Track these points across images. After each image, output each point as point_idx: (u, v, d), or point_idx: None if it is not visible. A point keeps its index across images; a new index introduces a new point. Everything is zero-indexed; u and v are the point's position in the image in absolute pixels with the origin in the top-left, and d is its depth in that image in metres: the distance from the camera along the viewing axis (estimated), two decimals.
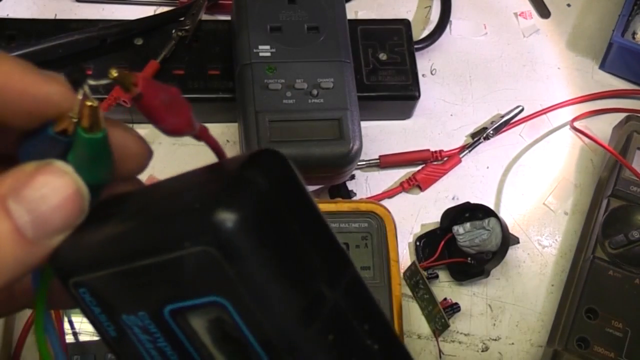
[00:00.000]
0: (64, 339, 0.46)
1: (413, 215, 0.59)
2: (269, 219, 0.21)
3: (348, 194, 0.58)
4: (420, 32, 0.67)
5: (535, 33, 0.70)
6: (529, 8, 0.71)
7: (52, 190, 0.22)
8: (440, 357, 0.54)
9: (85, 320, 0.46)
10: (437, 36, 0.67)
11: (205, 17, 0.62)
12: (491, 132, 0.62)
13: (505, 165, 0.63)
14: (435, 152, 0.61)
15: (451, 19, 0.68)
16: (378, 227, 0.52)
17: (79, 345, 0.46)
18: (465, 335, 0.55)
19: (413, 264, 0.55)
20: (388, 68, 0.61)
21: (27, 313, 0.51)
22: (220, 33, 0.61)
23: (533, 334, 0.56)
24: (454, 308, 0.55)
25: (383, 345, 0.23)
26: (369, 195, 0.59)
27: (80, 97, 0.24)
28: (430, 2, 0.70)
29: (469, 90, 0.66)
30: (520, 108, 0.63)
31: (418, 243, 0.57)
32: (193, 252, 0.20)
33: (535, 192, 0.62)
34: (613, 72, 0.68)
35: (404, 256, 0.57)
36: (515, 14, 0.71)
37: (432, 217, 0.59)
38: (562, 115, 0.66)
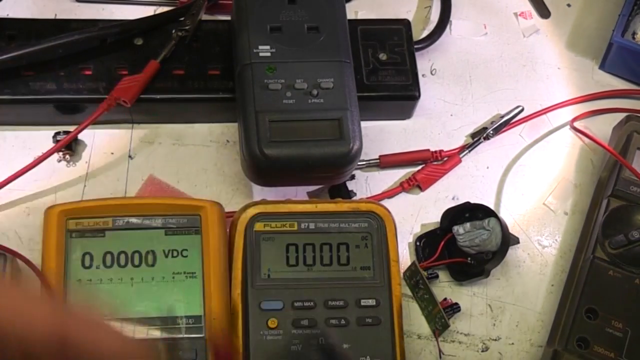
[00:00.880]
0: None
1: (413, 215, 0.59)
2: None
3: (348, 194, 0.58)
4: (420, 32, 0.67)
5: (535, 33, 0.70)
6: (529, 8, 0.71)
7: None
8: (440, 357, 0.54)
9: None
10: (437, 36, 0.67)
11: (205, 17, 0.62)
12: (491, 132, 0.62)
13: (505, 165, 0.63)
14: (435, 152, 0.61)
15: (451, 19, 0.68)
16: (378, 227, 0.52)
17: None
18: (465, 335, 0.55)
19: (413, 264, 0.55)
20: (388, 68, 0.61)
21: None
22: (220, 33, 0.61)
23: (533, 334, 0.56)
24: (454, 308, 0.55)
25: None
26: (369, 195, 0.59)
27: None
28: (430, 2, 0.70)
29: (469, 90, 0.66)
30: (520, 108, 0.63)
31: (418, 243, 0.57)
32: None
33: (535, 192, 0.62)
34: (613, 72, 0.68)
35: (404, 256, 0.57)
36: (515, 14, 0.71)
37: (432, 217, 0.59)
38: (562, 115, 0.66)
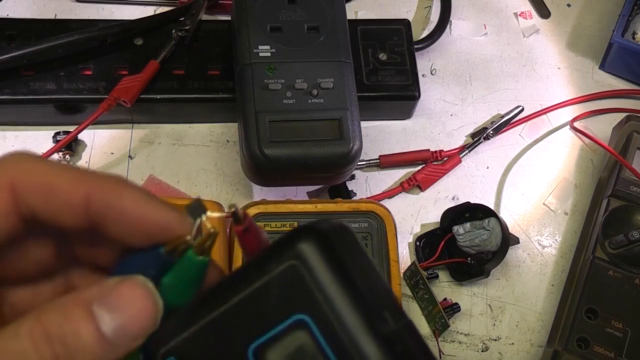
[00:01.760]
0: None
1: (413, 215, 0.59)
2: (341, 246, 0.25)
3: (348, 194, 0.58)
4: (420, 32, 0.67)
5: (535, 33, 0.70)
6: (529, 8, 0.71)
7: (132, 300, 0.25)
8: (440, 357, 0.54)
9: None
10: (437, 36, 0.67)
11: (205, 17, 0.62)
12: (491, 132, 0.62)
13: (505, 165, 0.63)
14: (435, 152, 0.61)
15: (451, 19, 0.68)
16: (378, 227, 0.52)
17: None
18: (465, 335, 0.55)
19: (413, 264, 0.55)
20: (388, 68, 0.61)
21: None
22: (220, 33, 0.61)
23: (533, 334, 0.56)
24: (454, 308, 0.55)
25: None
26: (369, 195, 0.59)
27: (197, 225, 0.27)
28: (430, 2, 0.70)
29: (469, 90, 0.66)
30: (520, 108, 0.63)
31: (418, 243, 0.57)
32: (278, 272, 0.24)
33: (535, 192, 0.62)
34: (613, 72, 0.68)
35: (404, 256, 0.57)
36: (515, 14, 0.71)
37: (432, 217, 0.59)
38: (562, 115, 0.66)
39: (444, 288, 0.57)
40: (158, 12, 0.65)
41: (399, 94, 0.61)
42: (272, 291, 0.24)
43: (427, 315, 0.55)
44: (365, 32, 0.63)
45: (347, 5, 0.62)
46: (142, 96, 0.56)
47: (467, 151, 0.62)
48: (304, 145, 0.52)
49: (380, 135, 0.62)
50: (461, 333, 0.55)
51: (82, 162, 0.58)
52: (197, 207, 0.27)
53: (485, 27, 0.69)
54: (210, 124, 0.61)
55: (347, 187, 0.58)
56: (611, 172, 0.59)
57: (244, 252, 0.28)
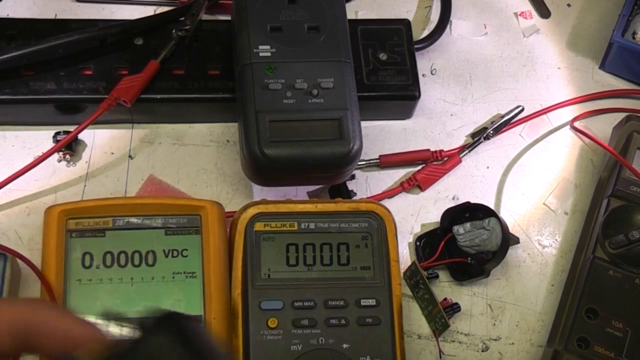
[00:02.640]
0: None
1: (413, 215, 0.59)
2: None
3: (348, 194, 0.58)
4: (420, 32, 0.67)
5: (535, 33, 0.70)
6: (529, 8, 0.71)
7: None
8: (440, 357, 0.54)
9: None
10: (437, 36, 0.67)
11: (205, 17, 0.62)
12: (491, 132, 0.62)
13: (506, 165, 0.63)
14: (436, 152, 0.61)
15: (451, 19, 0.68)
16: (378, 227, 0.52)
17: None
18: (466, 335, 0.55)
19: (413, 264, 0.55)
20: (388, 68, 0.61)
21: None
22: (220, 33, 0.61)
23: (533, 334, 0.56)
24: (454, 308, 0.55)
25: None
26: (369, 195, 0.59)
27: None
28: (430, 2, 0.70)
29: (469, 90, 0.66)
30: (520, 108, 0.63)
31: (418, 243, 0.57)
32: None
33: (535, 192, 0.62)
34: (613, 72, 0.68)
35: (404, 256, 0.57)
36: (515, 14, 0.71)
37: (432, 217, 0.59)
38: (562, 115, 0.66)
39: (444, 288, 0.57)
40: (158, 12, 0.65)
41: (399, 93, 0.61)
42: None
43: (427, 315, 0.55)
44: (366, 32, 0.63)
45: (347, 5, 0.62)
46: (142, 96, 0.56)
47: (467, 151, 0.62)
48: (304, 145, 0.52)
49: (381, 135, 0.62)
50: (461, 333, 0.55)
51: (83, 162, 0.58)
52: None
53: (485, 27, 0.69)
54: (210, 124, 0.61)
55: (347, 187, 0.58)
56: (611, 172, 0.59)
57: None
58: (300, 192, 0.59)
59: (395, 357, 0.49)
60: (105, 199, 0.51)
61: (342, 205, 0.52)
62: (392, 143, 0.62)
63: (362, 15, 0.68)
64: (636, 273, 0.53)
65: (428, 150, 0.61)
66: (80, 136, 0.59)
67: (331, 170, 0.54)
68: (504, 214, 0.60)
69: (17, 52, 0.55)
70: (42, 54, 0.56)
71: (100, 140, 0.59)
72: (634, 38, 0.66)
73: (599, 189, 0.60)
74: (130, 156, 0.59)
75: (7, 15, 0.64)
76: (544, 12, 0.71)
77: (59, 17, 0.64)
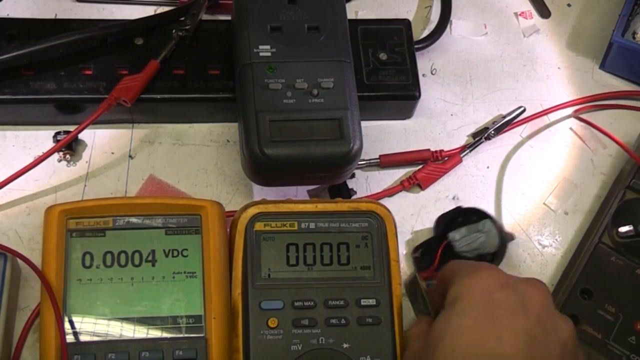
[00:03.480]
0: (64, 339, 0.46)
1: (413, 215, 0.59)
2: None
3: (348, 194, 0.58)
4: (420, 32, 0.67)
5: (535, 33, 0.70)
6: (529, 8, 0.71)
7: None
8: None
9: (85, 320, 0.46)
10: (437, 36, 0.67)
11: (205, 17, 0.62)
12: (493, 132, 0.62)
13: (506, 165, 0.63)
14: (436, 152, 0.61)
15: (451, 19, 0.69)
16: (378, 227, 0.52)
17: (79, 345, 0.46)
18: None
19: (414, 276, 0.52)
20: (388, 68, 0.61)
21: (27, 313, 0.51)
22: (220, 33, 0.61)
23: None
24: None
25: None
26: (369, 195, 0.59)
27: None
28: (430, 2, 0.70)
29: (469, 90, 0.66)
30: (522, 109, 0.63)
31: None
32: None
33: (535, 192, 0.62)
34: (613, 72, 0.68)
35: (404, 256, 0.57)
36: (516, 14, 0.71)
37: (432, 217, 0.59)
38: (562, 116, 0.66)
39: None
40: (158, 12, 0.65)
41: (399, 93, 0.61)
42: None
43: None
44: (366, 32, 0.63)
45: (347, 5, 0.62)
46: (142, 96, 0.56)
47: (468, 151, 0.62)
48: (304, 145, 0.52)
49: (381, 135, 0.62)
50: None
51: (83, 162, 0.58)
52: None
53: (485, 27, 0.69)
54: (211, 124, 0.61)
55: (347, 187, 0.58)
56: (633, 164, 0.59)
57: None
58: (300, 192, 0.59)
59: (395, 357, 0.49)
60: (106, 199, 0.51)
61: (342, 205, 0.52)
62: (392, 143, 0.62)
63: (362, 15, 0.68)
64: (638, 264, 0.54)
65: (428, 150, 0.61)
66: (81, 136, 0.59)
67: (331, 170, 0.54)
68: (504, 214, 0.60)
69: (17, 52, 0.55)
70: (42, 54, 0.56)
71: (100, 140, 0.59)
72: (634, 38, 0.66)
73: (618, 179, 0.61)
74: (130, 156, 0.59)
75: (7, 15, 0.64)
76: (544, 12, 0.71)
77: (59, 17, 0.64)
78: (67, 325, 0.46)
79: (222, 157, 0.60)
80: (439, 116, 0.64)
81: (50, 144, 0.58)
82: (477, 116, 0.64)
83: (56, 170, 0.58)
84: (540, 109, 0.65)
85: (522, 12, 0.71)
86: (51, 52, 0.56)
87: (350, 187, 0.59)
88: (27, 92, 0.56)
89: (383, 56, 0.62)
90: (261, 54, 0.55)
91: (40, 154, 0.56)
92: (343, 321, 0.49)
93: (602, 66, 0.68)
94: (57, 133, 0.58)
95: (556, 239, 0.60)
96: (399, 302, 0.50)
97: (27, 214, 0.56)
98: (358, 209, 0.52)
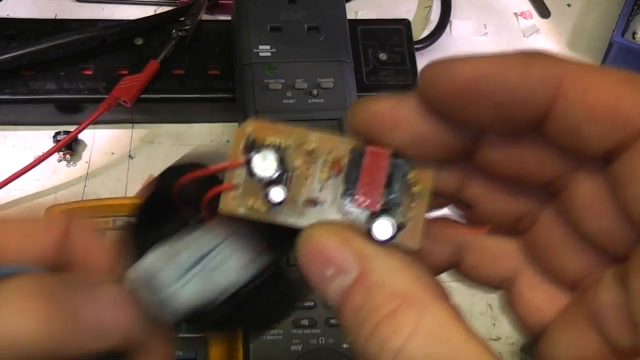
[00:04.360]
0: None
1: None
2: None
3: None
4: (420, 32, 0.67)
5: (535, 33, 0.70)
6: (529, 8, 0.71)
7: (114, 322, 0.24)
8: None
9: None
10: (437, 36, 0.67)
11: (205, 17, 0.62)
12: None
13: None
14: None
15: (451, 19, 0.68)
16: None
17: None
18: None
19: None
20: (388, 68, 0.61)
21: None
22: (220, 33, 0.61)
23: None
24: None
25: None
26: None
27: None
28: (430, 2, 0.70)
29: None
30: None
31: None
32: None
33: None
34: None
35: None
36: (515, 14, 0.71)
37: None
38: None
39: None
40: (158, 12, 0.65)
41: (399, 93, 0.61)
42: None
43: None
44: (365, 32, 0.63)
45: (347, 5, 0.62)
46: (142, 96, 0.56)
47: None
48: None
49: None
50: None
51: (82, 162, 0.58)
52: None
53: (485, 27, 0.69)
54: (210, 124, 0.61)
55: None
56: None
57: None
58: None
59: None
60: (106, 199, 0.51)
61: None
62: None
63: (362, 15, 0.68)
64: None
65: None
66: (80, 136, 0.59)
67: None
68: None
69: (17, 52, 0.55)
70: (42, 54, 0.56)
71: (100, 140, 0.59)
72: (634, 38, 0.66)
73: None
74: (130, 156, 0.59)
75: (7, 15, 0.64)
76: (544, 12, 0.71)
77: (59, 17, 0.64)
78: None
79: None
80: None
81: (50, 144, 0.58)
82: None
83: (56, 170, 0.58)
84: None
85: (522, 12, 0.71)
86: (51, 52, 0.56)
87: None
88: (27, 92, 0.56)
89: (383, 56, 0.62)
90: (261, 54, 0.55)
91: (40, 154, 0.56)
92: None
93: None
94: (57, 133, 0.58)
95: None
96: None
97: (27, 214, 0.56)
98: None
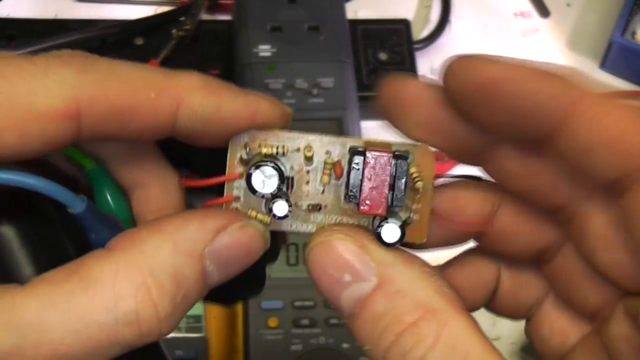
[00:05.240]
0: None
1: None
2: None
3: None
4: (420, 32, 0.67)
5: (535, 33, 0.70)
6: (529, 8, 0.71)
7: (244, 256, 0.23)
8: None
9: None
10: (437, 36, 0.67)
11: (205, 17, 0.62)
12: None
13: None
14: (437, 151, 0.61)
15: (451, 19, 0.68)
16: None
17: None
18: None
19: None
20: (388, 68, 0.61)
21: None
22: (220, 33, 0.61)
23: None
24: None
25: None
26: None
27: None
28: (430, 2, 0.70)
29: None
30: None
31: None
32: None
33: None
34: (613, 72, 0.68)
35: None
36: (515, 13, 0.71)
37: None
38: None
39: None
40: (158, 12, 0.65)
41: None
42: None
43: None
44: (365, 31, 0.63)
45: (347, 5, 0.62)
46: None
47: None
48: None
49: (381, 135, 0.62)
50: None
51: None
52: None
53: (485, 27, 0.69)
54: None
55: None
56: None
57: None
58: None
59: None
60: None
61: None
62: None
63: (362, 15, 0.68)
64: None
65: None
66: None
67: None
68: None
69: (17, 52, 0.55)
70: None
71: None
72: (633, 38, 0.66)
73: None
74: None
75: (7, 15, 0.63)
76: (544, 12, 0.71)
77: (59, 17, 0.64)
78: None
79: None
80: None
81: None
82: None
83: None
84: None
85: (522, 12, 0.71)
86: None
87: None
88: None
89: (383, 56, 0.62)
90: (261, 53, 0.55)
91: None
92: (343, 321, 0.49)
93: (602, 66, 0.68)
94: None
95: None
96: None
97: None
98: None
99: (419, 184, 0.23)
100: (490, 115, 0.21)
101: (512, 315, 0.26)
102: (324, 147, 0.23)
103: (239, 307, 0.49)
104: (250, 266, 0.23)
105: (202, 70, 0.64)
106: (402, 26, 0.63)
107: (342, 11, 0.58)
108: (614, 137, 0.20)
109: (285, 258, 0.50)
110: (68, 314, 0.19)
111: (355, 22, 0.63)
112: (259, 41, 0.55)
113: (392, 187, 0.22)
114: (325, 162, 0.23)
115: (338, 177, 0.23)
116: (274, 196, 0.22)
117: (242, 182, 0.23)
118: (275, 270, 0.50)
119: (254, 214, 0.23)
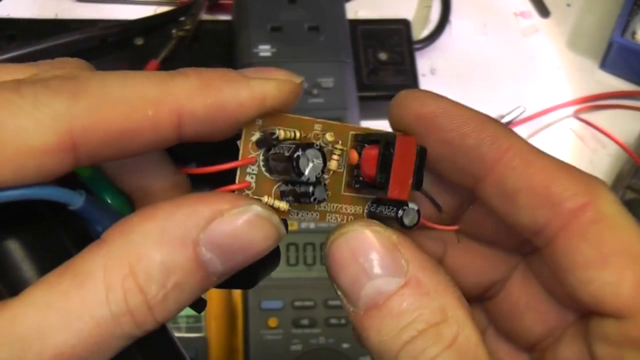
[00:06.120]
0: None
1: None
2: None
3: None
4: (420, 32, 0.67)
5: (535, 33, 0.70)
6: (529, 8, 0.71)
7: (251, 245, 0.21)
8: None
9: None
10: (437, 36, 0.67)
11: (205, 17, 0.62)
12: None
13: None
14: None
15: (451, 19, 0.69)
16: None
17: None
18: None
19: None
20: (388, 68, 0.61)
21: None
22: (220, 33, 0.61)
23: None
24: None
25: None
26: None
27: None
28: (430, 2, 0.70)
29: (468, 90, 0.66)
30: (522, 109, 0.63)
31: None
32: None
33: None
34: (613, 71, 0.68)
35: None
36: (515, 13, 0.71)
37: None
38: (562, 116, 0.66)
39: None
40: (158, 12, 0.65)
41: None
42: None
43: None
44: (365, 32, 0.63)
45: (347, 5, 0.62)
46: None
47: None
48: None
49: None
50: None
51: None
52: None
53: (485, 27, 0.69)
54: None
55: None
56: (633, 164, 0.59)
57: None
58: None
59: None
60: None
61: None
62: None
63: (362, 15, 0.68)
64: None
65: None
66: None
67: None
68: None
69: (17, 52, 0.55)
70: (42, 54, 0.56)
71: None
72: (633, 38, 0.66)
73: (618, 179, 0.61)
74: None
75: (7, 15, 0.64)
76: (544, 12, 0.71)
77: (59, 17, 0.64)
78: None
79: None
80: None
81: None
82: None
83: None
84: (540, 109, 0.65)
85: (522, 12, 0.71)
86: (51, 52, 0.56)
87: None
88: None
89: (383, 56, 0.62)
90: (261, 54, 0.55)
91: None
92: (343, 321, 0.49)
93: (602, 66, 0.68)
94: None
95: None
96: None
97: None
98: None
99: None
100: (432, 148, 0.23)
101: None
102: (335, 132, 0.23)
103: (239, 307, 0.49)
104: None
105: None
106: (402, 26, 0.63)
107: (342, 11, 0.58)
108: (537, 185, 0.21)
109: (286, 258, 0.50)
110: (66, 314, 0.19)
111: (355, 22, 0.63)
112: (259, 41, 0.55)
113: (414, 172, 0.22)
114: (335, 148, 0.23)
115: (353, 163, 0.23)
116: (316, 181, 0.22)
117: (255, 168, 0.22)
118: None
119: (270, 200, 0.22)
